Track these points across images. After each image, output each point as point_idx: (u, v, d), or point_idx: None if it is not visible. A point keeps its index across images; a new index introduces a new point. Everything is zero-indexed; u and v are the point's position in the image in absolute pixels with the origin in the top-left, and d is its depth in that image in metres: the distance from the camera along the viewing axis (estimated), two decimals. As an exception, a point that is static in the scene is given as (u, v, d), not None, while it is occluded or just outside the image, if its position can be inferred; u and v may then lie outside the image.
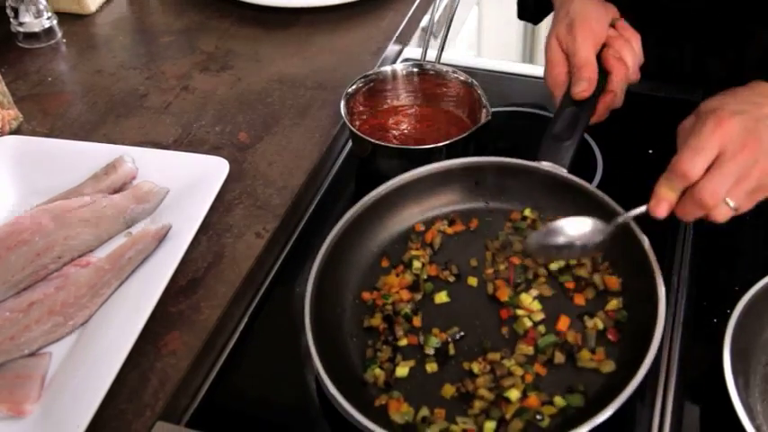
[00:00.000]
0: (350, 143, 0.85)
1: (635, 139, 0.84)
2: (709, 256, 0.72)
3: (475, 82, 0.82)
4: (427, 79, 0.85)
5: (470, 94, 0.82)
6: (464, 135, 0.76)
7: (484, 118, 0.77)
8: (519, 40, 2.02)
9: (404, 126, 0.84)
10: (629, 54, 0.74)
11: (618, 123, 0.87)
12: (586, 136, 0.84)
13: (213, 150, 0.81)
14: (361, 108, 0.84)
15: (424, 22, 1.09)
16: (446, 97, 0.85)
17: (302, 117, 0.85)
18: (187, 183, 0.75)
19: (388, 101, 0.86)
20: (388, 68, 0.85)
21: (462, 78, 0.83)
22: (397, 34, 0.97)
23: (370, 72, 0.84)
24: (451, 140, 0.76)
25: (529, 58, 2.15)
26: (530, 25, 2.06)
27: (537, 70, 0.98)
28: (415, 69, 0.85)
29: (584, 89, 0.72)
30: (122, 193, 0.73)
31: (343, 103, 0.80)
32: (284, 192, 0.76)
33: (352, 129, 0.78)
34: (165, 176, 0.75)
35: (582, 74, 0.71)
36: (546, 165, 0.71)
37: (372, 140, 0.78)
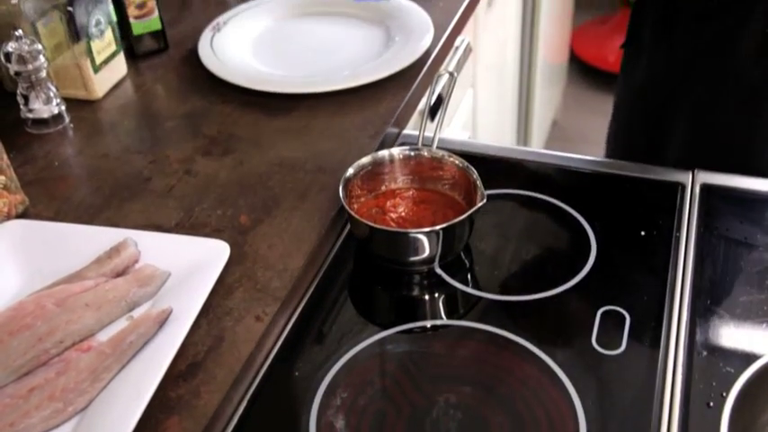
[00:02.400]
0: (349, 225, 0.87)
1: (627, 222, 0.86)
2: (702, 337, 0.73)
3: (470, 166, 0.84)
4: (423, 163, 0.88)
5: (466, 177, 0.84)
6: (460, 218, 0.78)
7: (479, 201, 0.79)
8: (513, 122, 2.07)
9: (401, 209, 0.86)
10: None
11: (610, 206, 0.90)
12: (580, 218, 0.87)
13: (215, 233, 0.82)
14: (359, 191, 0.86)
15: (421, 105, 1.12)
16: (442, 180, 0.87)
17: (302, 200, 0.87)
18: (189, 266, 0.76)
19: (386, 184, 0.88)
20: (385, 153, 0.88)
21: (457, 162, 0.85)
22: (394, 118, 1.00)
23: (368, 157, 0.86)
24: (448, 224, 0.77)
25: (523, 140, 2.20)
26: (524, 109, 2.11)
27: (532, 153, 1.01)
28: (412, 153, 0.88)
29: None
30: (125, 277, 0.74)
31: (341, 187, 0.82)
32: (284, 274, 0.77)
33: (351, 212, 0.80)
34: (167, 260, 0.77)
35: None
36: None
37: (370, 224, 0.80)
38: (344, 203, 0.81)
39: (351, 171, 0.84)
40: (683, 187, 0.89)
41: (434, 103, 1.14)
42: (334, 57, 1.12)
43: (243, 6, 1.23)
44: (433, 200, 0.87)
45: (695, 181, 0.90)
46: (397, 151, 0.88)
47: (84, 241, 0.79)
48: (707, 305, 0.76)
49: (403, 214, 0.85)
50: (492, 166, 0.97)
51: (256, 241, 0.81)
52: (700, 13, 1.01)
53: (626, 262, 0.82)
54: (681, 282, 0.78)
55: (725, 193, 0.89)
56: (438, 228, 0.77)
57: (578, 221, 0.86)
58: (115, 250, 0.77)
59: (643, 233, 0.84)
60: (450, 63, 1.26)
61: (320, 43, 1.17)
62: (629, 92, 1.18)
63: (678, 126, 1.06)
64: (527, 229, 0.89)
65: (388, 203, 0.86)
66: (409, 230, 0.80)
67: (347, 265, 0.84)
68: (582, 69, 2.98)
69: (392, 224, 0.83)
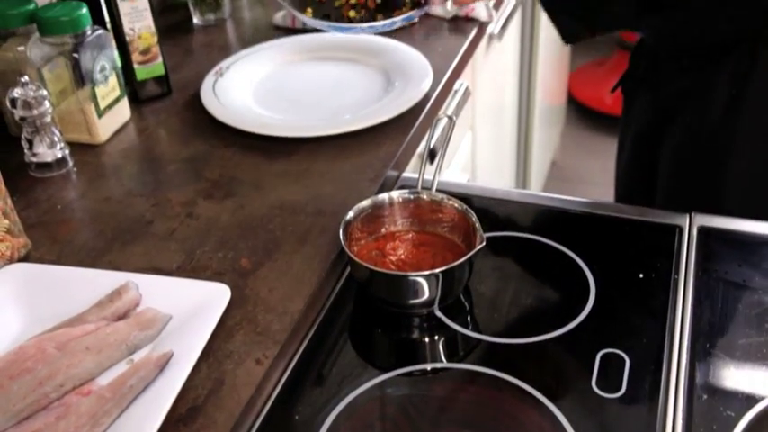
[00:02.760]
0: (349, 268, 0.87)
1: (625, 264, 0.87)
2: (702, 380, 0.73)
3: (469, 209, 0.85)
4: (423, 206, 0.89)
5: (465, 220, 0.85)
6: (459, 261, 0.78)
7: (478, 244, 0.80)
8: (512, 163, 2.09)
9: (401, 251, 0.86)
10: None
11: (609, 249, 0.90)
12: (579, 261, 0.87)
13: (215, 276, 0.83)
14: (359, 234, 0.87)
15: (420, 148, 1.14)
16: (442, 223, 0.88)
17: (302, 243, 0.87)
18: (190, 309, 0.76)
19: (386, 227, 0.89)
20: (385, 196, 0.88)
21: (456, 205, 0.86)
22: (393, 162, 1.01)
23: (368, 200, 0.87)
24: (447, 267, 0.78)
25: (522, 184, 2.21)
26: (523, 151, 2.13)
27: (530, 196, 1.02)
28: (411, 196, 0.89)
29: None
30: (126, 321, 0.75)
31: (341, 230, 0.83)
32: (284, 317, 0.78)
33: (351, 255, 0.81)
34: (168, 303, 0.77)
35: None
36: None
37: (370, 266, 0.81)
38: (344, 246, 0.81)
39: (351, 214, 0.85)
40: (681, 230, 0.90)
41: (433, 147, 1.16)
42: (335, 101, 1.14)
43: (244, 52, 1.25)
44: (432, 242, 0.87)
45: (692, 223, 0.91)
46: (396, 194, 0.89)
47: (86, 284, 0.79)
48: (706, 348, 0.76)
49: (402, 257, 0.86)
50: (491, 209, 0.98)
51: (257, 284, 0.82)
52: (676, 69, 1.05)
53: (625, 304, 0.83)
54: (680, 324, 0.78)
55: (722, 236, 0.90)
56: (437, 271, 0.78)
57: (577, 264, 0.87)
58: (117, 293, 0.77)
59: (641, 275, 0.85)
60: (449, 107, 1.28)
61: (321, 87, 1.19)
62: (623, 136, 1.21)
63: (663, 172, 1.10)
64: (526, 271, 0.90)
65: (388, 246, 0.87)
66: (409, 273, 0.81)
67: (347, 308, 0.85)
68: (580, 111, 3.01)
69: (392, 267, 0.84)
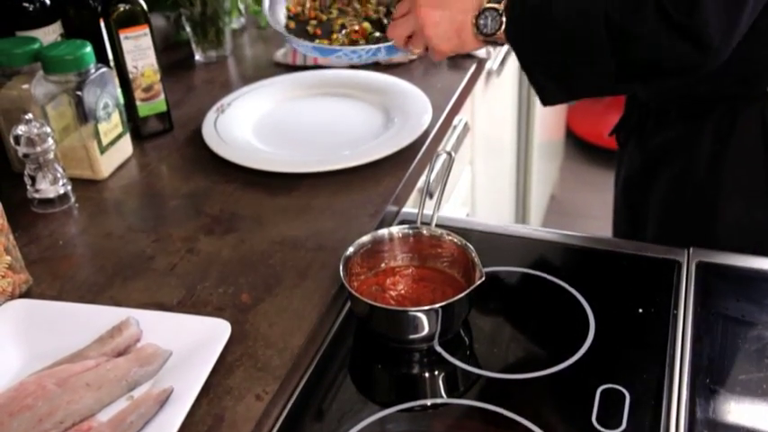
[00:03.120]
0: (349, 303, 0.88)
1: (625, 299, 0.87)
2: (702, 415, 0.73)
3: (468, 244, 0.85)
4: (422, 241, 0.89)
5: (464, 255, 0.86)
6: (459, 297, 0.79)
7: (477, 279, 0.80)
8: (512, 197, 2.10)
9: (401, 287, 0.87)
10: None
11: (608, 283, 0.91)
12: (578, 296, 0.88)
13: (216, 311, 0.83)
14: (360, 269, 0.87)
15: (420, 183, 1.15)
16: (441, 258, 0.89)
17: (302, 278, 0.88)
18: (190, 344, 0.76)
19: (386, 262, 0.89)
20: (385, 231, 0.89)
21: (456, 240, 0.87)
22: (393, 197, 1.01)
23: (368, 235, 0.88)
24: (446, 302, 0.78)
25: (521, 218, 2.22)
26: (522, 185, 2.15)
27: (529, 230, 1.02)
28: (411, 232, 0.89)
29: None
30: (126, 357, 0.75)
31: (341, 265, 0.84)
32: (284, 353, 0.78)
33: (351, 290, 0.81)
34: (168, 338, 0.77)
35: None
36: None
37: (370, 302, 0.81)
38: (345, 281, 0.82)
39: (351, 249, 0.86)
40: (679, 265, 0.91)
41: (433, 182, 1.17)
42: (335, 137, 1.15)
43: (246, 88, 1.27)
44: (432, 278, 0.88)
45: (691, 258, 0.91)
46: (396, 230, 0.89)
47: (87, 320, 0.80)
48: (706, 383, 0.76)
49: (402, 292, 0.86)
50: (490, 244, 0.98)
51: (257, 319, 0.82)
52: (665, 120, 1.07)
53: (625, 340, 0.83)
54: (680, 360, 0.78)
55: (721, 271, 0.90)
56: (437, 306, 0.78)
57: (576, 299, 0.87)
58: (117, 329, 0.78)
59: (641, 310, 0.85)
60: (449, 142, 1.30)
61: (321, 123, 1.20)
62: (616, 178, 1.23)
63: (652, 218, 1.11)
64: (526, 306, 0.90)
65: (388, 281, 0.87)
66: (408, 309, 0.81)
67: (347, 343, 0.85)
68: (578, 145, 3.03)
69: (392, 302, 0.84)
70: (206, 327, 0.78)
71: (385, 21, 1.09)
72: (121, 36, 1.10)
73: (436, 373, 0.81)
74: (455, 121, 1.33)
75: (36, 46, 1.03)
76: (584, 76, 0.88)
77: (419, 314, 0.79)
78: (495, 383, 0.79)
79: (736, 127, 0.98)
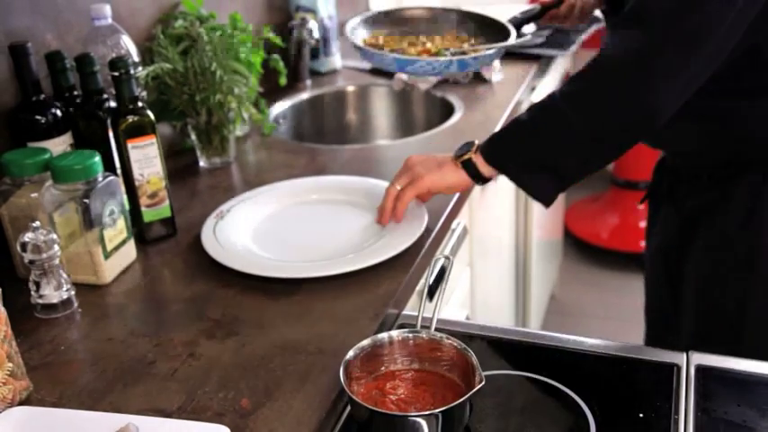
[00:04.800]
0: (349, 407, 0.87)
1: (625, 403, 0.87)
2: None
3: (467, 348, 0.86)
4: (422, 344, 0.90)
5: (464, 358, 0.86)
6: (459, 401, 0.79)
7: (477, 383, 0.80)
8: (512, 298, 2.10)
9: (401, 390, 0.87)
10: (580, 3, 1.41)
11: (608, 387, 0.90)
12: (578, 399, 0.87)
13: (216, 417, 0.83)
14: (360, 373, 0.88)
15: (419, 286, 1.16)
16: (441, 362, 0.89)
17: (303, 382, 0.88)
18: (188, 452, 0.76)
19: (386, 365, 0.90)
20: (385, 335, 0.90)
21: (456, 345, 0.87)
22: (393, 300, 1.03)
23: (368, 339, 0.89)
24: (446, 407, 0.78)
25: (522, 318, 2.22)
26: (522, 285, 2.16)
27: (529, 334, 1.03)
28: (411, 336, 0.90)
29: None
30: (125, 465, 0.74)
31: (342, 370, 0.84)
32: (284, 460, 0.77)
33: (351, 395, 0.81)
34: (167, 446, 0.77)
35: None
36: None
37: (370, 407, 0.81)
38: (345, 386, 0.82)
39: (351, 353, 0.86)
40: (679, 369, 0.91)
41: (432, 285, 1.18)
42: (334, 242, 1.17)
43: (247, 194, 1.30)
44: (432, 381, 0.88)
45: (690, 362, 0.92)
46: (396, 333, 0.90)
47: (86, 427, 0.79)
48: (710, 490, 0.75)
49: (402, 396, 0.86)
50: (490, 347, 0.98)
51: (257, 425, 0.82)
52: (695, 186, 1.15)
53: (626, 444, 0.82)
54: (682, 465, 0.78)
55: (720, 375, 0.90)
56: (437, 411, 0.78)
57: (576, 403, 0.87)
58: (116, 436, 0.77)
59: (642, 415, 0.85)
60: (447, 247, 1.31)
61: (319, 228, 1.22)
62: (647, 251, 1.32)
63: (686, 297, 1.15)
64: (526, 410, 0.89)
65: (388, 385, 0.87)
66: (408, 414, 0.81)
67: (347, 450, 0.84)
68: (577, 245, 3.06)
69: (392, 407, 0.84)
70: (205, 433, 0.78)
71: (451, 49, 1.34)
72: (129, 146, 1.13)
73: (437, 480, 0.80)
74: (453, 225, 1.35)
75: (46, 156, 1.07)
76: (566, 152, 1.03)
77: (419, 420, 0.79)
78: (497, 491, 0.78)
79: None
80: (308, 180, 1.36)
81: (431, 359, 0.89)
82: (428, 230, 1.16)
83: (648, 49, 0.95)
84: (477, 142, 1.11)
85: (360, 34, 1.39)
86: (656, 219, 1.26)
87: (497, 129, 1.18)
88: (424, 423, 0.78)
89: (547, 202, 1.09)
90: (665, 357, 0.93)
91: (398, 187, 1.14)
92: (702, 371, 0.90)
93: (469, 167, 1.10)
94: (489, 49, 1.34)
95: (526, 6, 1.51)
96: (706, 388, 0.88)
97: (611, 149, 1.05)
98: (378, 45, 1.38)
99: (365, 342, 0.88)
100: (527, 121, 1.07)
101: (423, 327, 0.91)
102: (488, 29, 1.44)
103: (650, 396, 0.88)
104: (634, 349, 0.96)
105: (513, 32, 1.38)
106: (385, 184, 1.30)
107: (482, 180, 1.12)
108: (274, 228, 1.23)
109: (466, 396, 0.79)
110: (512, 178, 1.08)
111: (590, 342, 0.98)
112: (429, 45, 1.38)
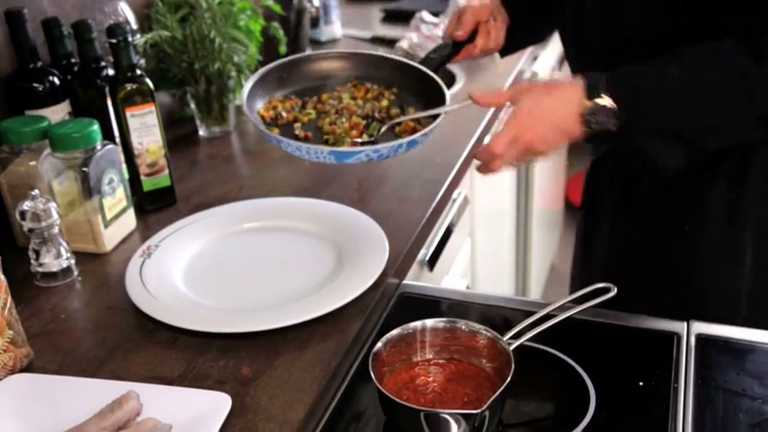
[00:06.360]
0: (349, 378, 0.88)
1: (625, 372, 0.87)
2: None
3: (501, 338, 0.84)
4: (454, 334, 0.87)
5: (497, 349, 0.84)
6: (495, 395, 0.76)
7: (509, 375, 0.78)
8: (512, 268, 2.10)
9: (432, 382, 0.84)
10: (494, 33, 1.15)
11: (608, 356, 0.91)
12: (578, 368, 0.87)
13: (216, 385, 0.83)
14: (388, 365, 0.85)
15: (420, 256, 1.16)
16: (473, 351, 0.86)
17: (303, 350, 0.88)
18: (190, 418, 0.76)
19: (416, 355, 0.87)
20: (418, 324, 0.87)
21: (490, 335, 0.85)
22: (394, 270, 1.02)
23: (398, 329, 0.86)
24: (486, 405, 0.75)
25: (522, 288, 2.23)
26: (522, 255, 2.15)
27: (529, 302, 1.03)
28: (442, 325, 0.87)
29: (460, 34, 1.13)
30: (126, 431, 0.74)
31: (370, 361, 0.81)
32: (284, 426, 0.77)
33: (381, 389, 0.78)
34: (168, 412, 0.77)
35: (464, 27, 1.13)
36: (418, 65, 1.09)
37: (406, 404, 0.78)
38: (375, 380, 0.79)
39: (380, 344, 0.84)
40: (679, 337, 0.91)
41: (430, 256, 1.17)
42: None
43: (175, 225, 1.13)
44: (464, 373, 0.86)
45: (690, 331, 0.92)
46: (429, 323, 0.87)
47: (87, 394, 0.80)
48: (708, 457, 0.75)
49: (435, 388, 0.84)
50: (490, 317, 0.98)
51: (258, 393, 0.82)
52: (659, 185, 1.03)
53: (626, 413, 0.82)
54: (681, 433, 0.78)
55: (720, 344, 0.90)
56: (476, 412, 0.74)
57: (577, 372, 0.87)
58: (117, 403, 0.77)
59: (641, 384, 0.85)
60: (448, 216, 1.31)
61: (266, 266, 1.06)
62: (588, 261, 1.22)
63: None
64: (526, 380, 0.89)
65: (419, 379, 0.85)
66: (441, 411, 0.77)
67: (347, 417, 0.84)
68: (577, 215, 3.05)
69: (422, 400, 0.82)
70: (206, 400, 0.78)
71: (376, 114, 1.04)
72: (128, 114, 1.12)
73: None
74: (454, 195, 1.35)
75: (44, 124, 1.06)
76: (722, 131, 0.89)
77: (451, 418, 0.75)
78: (497, 458, 0.78)
79: (748, 173, 0.97)
80: (247, 204, 1.18)
81: (463, 349, 0.87)
82: (428, 202, 1.14)
83: None
84: (610, 105, 0.87)
85: (256, 105, 1.06)
86: (592, 221, 1.16)
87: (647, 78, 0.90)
88: (461, 420, 0.75)
89: (672, 166, 0.94)
90: (666, 326, 0.93)
91: (505, 156, 0.91)
92: (703, 340, 0.91)
93: (595, 126, 0.89)
94: (432, 116, 1.01)
95: (435, 45, 1.21)
96: (706, 356, 0.88)
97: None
98: (281, 120, 1.04)
99: (394, 331, 0.85)
100: (694, 85, 0.88)
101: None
102: (404, 77, 1.10)
103: (650, 365, 0.88)
104: (634, 318, 0.95)
105: (444, 88, 1.05)
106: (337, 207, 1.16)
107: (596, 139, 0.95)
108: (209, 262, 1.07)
109: (499, 389, 0.77)
110: (639, 148, 0.93)
111: (591, 311, 0.97)
112: (356, 119, 1.03)
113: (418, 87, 1.08)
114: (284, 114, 1.05)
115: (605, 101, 0.87)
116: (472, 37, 1.15)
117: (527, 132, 0.90)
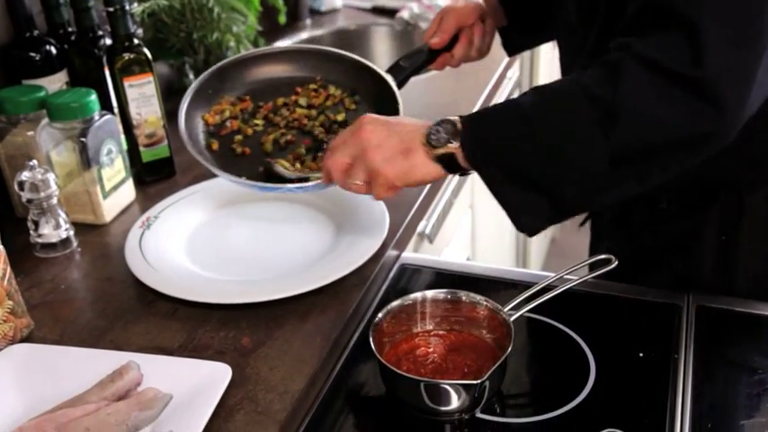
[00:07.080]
0: (349, 349, 0.88)
1: (625, 343, 0.87)
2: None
3: (501, 308, 0.83)
4: (454, 305, 0.86)
5: (497, 319, 0.84)
6: (496, 365, 0.76)
7: (509, 345, 0.78)
8: (512, 240, 2.10)
9: (431, 349, 0.85)
10: (477, 40, 1.10)
11: (608, 327, 0.91)
12: (578, 339, 0.88)
13: (217, 355, 0.83)
14: (388, 335, 0.85)
15: (420, 228, 1.16)
16: (473, 322, 0.86)
17: (303, 321, 0.88)
18: (190, 388, 0.76)
19: (416, 326, 0.87)
20: (418, 295, 0.87)
21: (489, 305, 0.85)
22: (394, 241, 1.02)
23: (398, 300, 0.85)
24: (487, 375, 0.75)
25: (522, 261, 2.22)
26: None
27: (529, 274, 1.03)
28: (441, 296, 0.86)
29: (436, 42, 1.08)
30: (126, 401, 0.75)
31: (371, 333, 0.81)
32: (285, 397, 0.78)
33: (381, 360, 0.78)
34: (169, 382, 0.77)
35: (442, 34, 1.08)
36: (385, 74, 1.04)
37: (406, 374, 0.78)
38: (375, 351, 0.79)
39: (380, 315, 0.84)
40: (680, 309, 0.91)
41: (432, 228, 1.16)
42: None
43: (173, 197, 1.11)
44: (464, 343, 0.85)
45: (691, 303, 0.92)
46: (429, 294, 0.87)
47: (87, 364, 0.80)
48: (708, 428, 0.76)
49: (435, 359, 0.84)
50: (490, 288, 0.98)
51: (258, 363, 0.82)
52: (653, 218, 0.98)
53: (626, 384, 0.82)
54: (681, 404, 0.78)
55: (721, 315, 0.90)
56: (477, 382, 0.75)
57: (577, 343, 0.87)
58: (118, 373, 0.78)
59: (642, 355, 0.85)
60: (449, 187, 1.31)
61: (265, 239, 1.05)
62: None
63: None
64: (526, 350, 0.90)
65: (419, 350, 0.85)
66: (441, 381, 0.78)
67: (347, 388, 0.85)
68: (578, 189, 3.05)
69: (422, 371, 0.82)
70: (207, 371, 0.79)
71: (324, 138, 1.01)
72: (126, 84, 1.11)
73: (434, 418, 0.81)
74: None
75: (41, 94, 1.05)
76: (574, 172, 0.76)
77: (452, 388, 0.76)
78: (496, 428, 0.78)
79: (743, 216, 0.91)
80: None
81: (463, 320, 0.87)
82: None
83: None
84: (459, 123, 0.81)
85: (196, 113, 1.04)
86: (599, 242, 1.09)
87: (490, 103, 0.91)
88: (461, 390, 0.76)
89: (530, 231, 0.86)
90: (666, 298, 0.93)
91: (355, 181, 0.86)
92: (704, 311, 0.90)
93: (446, 161, 0.82)
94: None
95: (409, 50, 1.11)
96: (707, 327, 0.88)
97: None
98: (225, 130, 1.04)
99: (394, 303, 0.85)
100: (533, 118, 0.79)
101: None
102: (372, 85, 1.06)
103: (651, 336, 0.88)
104: (634, 290, 0.95)
105: (401, 106, 1.00)
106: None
107: (462, 172, 0.86)
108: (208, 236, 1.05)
109: (500, 360, 0.77)
110: (492, 190, 0.86)
111: (591, 282, 0.97)
112: (299, 150, 1.02)
113: (379, 97, 1.04)
114: (228, 124, 1.04)
115: (452, 118, 0.81)
116: (452, 44, 1.07)
117: (364, 129, 0.84)
